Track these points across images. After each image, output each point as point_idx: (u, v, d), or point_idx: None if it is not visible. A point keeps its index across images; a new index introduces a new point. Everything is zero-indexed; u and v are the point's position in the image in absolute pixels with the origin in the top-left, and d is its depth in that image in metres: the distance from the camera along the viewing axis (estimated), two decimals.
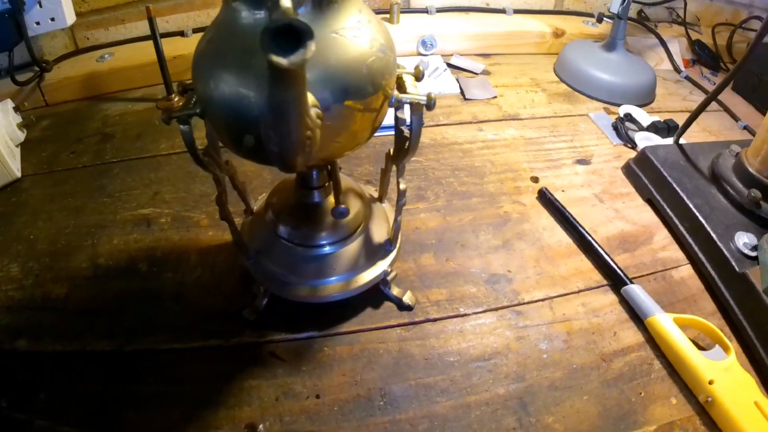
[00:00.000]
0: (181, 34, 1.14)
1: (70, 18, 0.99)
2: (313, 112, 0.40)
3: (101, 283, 0.68)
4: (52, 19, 0.97)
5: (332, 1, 0.45)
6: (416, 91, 0.53)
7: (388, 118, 0.52)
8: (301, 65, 0.31)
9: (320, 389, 0.58)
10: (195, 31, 1.14)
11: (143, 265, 0.70)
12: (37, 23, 0.96)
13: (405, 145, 0.56)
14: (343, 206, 0.58)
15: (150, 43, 0.97)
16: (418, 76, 0.54)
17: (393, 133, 0.56)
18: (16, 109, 0.93)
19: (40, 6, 0.94)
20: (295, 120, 0.37)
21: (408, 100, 0.52)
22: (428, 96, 0.51)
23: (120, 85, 1.07)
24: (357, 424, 0.56)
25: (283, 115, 0.37)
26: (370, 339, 0.63)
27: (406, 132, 0.55)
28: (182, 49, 1.08)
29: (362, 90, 0.46)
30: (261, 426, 0.55)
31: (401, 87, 0.53)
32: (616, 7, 1.04)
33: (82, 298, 0.67)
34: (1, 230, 0.76)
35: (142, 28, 1.11)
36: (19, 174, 0.85)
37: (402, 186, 0.60)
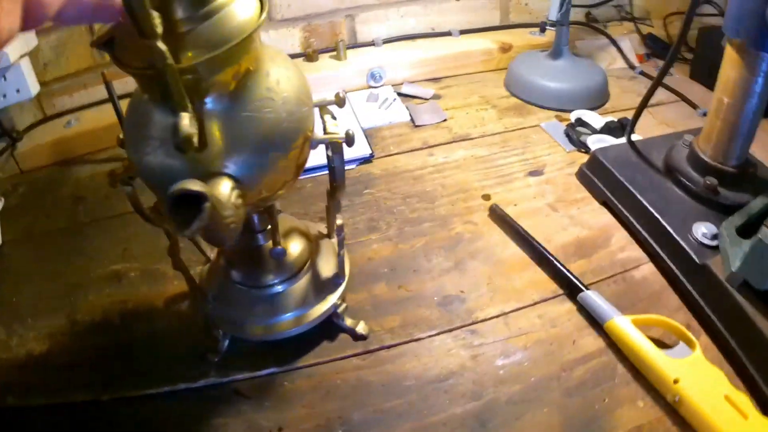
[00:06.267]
0: None
1: (34, 88, 1.00)
2: (235, 194, 0.44)
3: (79, 339, 0.70)
4: (18, 91, 0.98)
5: (239, 87, 0.46)
6: (336, 129, 0.54)
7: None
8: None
9: (283, 422, 0.59)
10: None
11: (116, 318, 0.72)
12: (4, 96, 0.97)
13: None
14: (279, 247, 0.60)
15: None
16: (340, 103, 0.55)
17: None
18: None
19: (5, 79, 0.96)
20: (217, 228, 0.39)
21: (326, 141, 0.53)
22: (347, 133, 0.53)
23: (88, 148, 1.08)
24: None
25: (205, 230, 0.39)
26: (328, 371, 0.64)
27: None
28: None
29: (279, 148, 0.49)
30: None
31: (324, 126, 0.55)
32: (554, 14, 1.05)
33: (63, 354, 0.69)
34: None
35: (105, 91, 1.10)
36: None
37: (339, 221, 0.61)
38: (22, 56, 0.97)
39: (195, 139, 0.39)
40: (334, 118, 0.56)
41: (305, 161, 0.54)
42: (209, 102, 0.45)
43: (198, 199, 0.34)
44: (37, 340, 0.71)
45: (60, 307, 0.75)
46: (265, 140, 0.47)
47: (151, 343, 0.69)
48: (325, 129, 0.54)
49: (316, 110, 0.56)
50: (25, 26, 0.35)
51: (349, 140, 0.53)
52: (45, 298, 0.77)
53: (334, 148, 0.54)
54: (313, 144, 0.53)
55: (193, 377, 0.64)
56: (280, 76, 0.49)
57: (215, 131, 0.45)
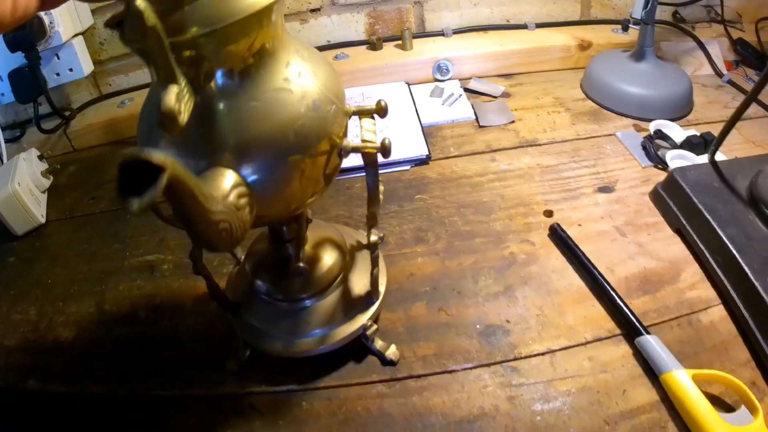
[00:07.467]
0: None
1: (87, 68, 1.03)
2: (235, 193, 0.39)
3: (104, 329, 0.70)
4: (71, 70, 1.01)
5: (251, 71, 0.41)
6: (371, 137, 0.49)
7: None
8: (154, 203, 0.29)
9: None
10: None
11: (143, 311, 0.72)
12: (57, 74, 1.00)
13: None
14: (302, 265, 0.55)
15: None
16: (381, 113, 0.50)
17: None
18: (41, 157, 0.98)
19: (58, 58, 0.99)
20: (197, 223, 0.35)
21: (357, 150, 0.48)
22: (382, 143, 0.47)
23: None
24: None
25: (186, 222, 0.35)
26: (350, 395, 0.59)
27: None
28: None
29: (294, 151, 0.43)
30: None
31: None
32: (639, 12, 0.96)
33: (86, 343, 0.69)
34: (24, 274, 0.80)
35: None
36: (43, 220, 0.89)
37: (374, 237, 0.56)
38: (75, 35, 0.99)
39: (183, 118, 0.33)
40: (373, 123, 0.51)
41: (336, 170, 0.49)
42: (218, 79, 0.40)
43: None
44: (64, 325, 0.71)
45: (90, 294, 0.75)
46: (276, 137, 0.42)
47: (173, 343, 0.67)
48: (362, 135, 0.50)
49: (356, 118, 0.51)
50: (43, 6, 0.34)
51: (385, 151, 0.48)
52: (78, 282, 0.77)
53: (367, 159, 0.49)
54: (343, 152, 0.48)
55: (211, 384, 0.62)
56: (302, 69, 0.44)
57: (220, 119, 0.41)
